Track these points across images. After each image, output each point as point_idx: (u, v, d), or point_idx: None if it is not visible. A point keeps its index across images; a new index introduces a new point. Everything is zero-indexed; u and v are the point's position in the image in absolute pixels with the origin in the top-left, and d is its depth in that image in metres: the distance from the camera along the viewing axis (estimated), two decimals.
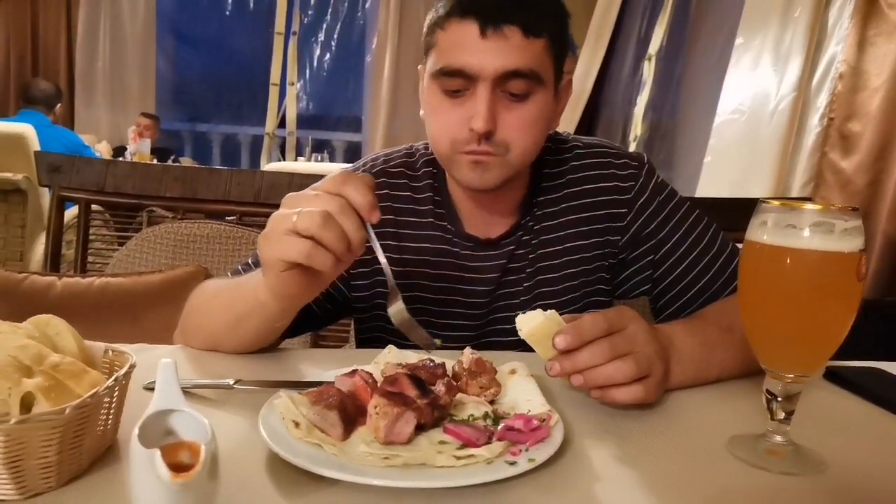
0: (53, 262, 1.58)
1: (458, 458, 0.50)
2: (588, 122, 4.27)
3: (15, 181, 2.79)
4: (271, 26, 5.66)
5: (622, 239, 0.91)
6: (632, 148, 3.74)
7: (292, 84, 5.73)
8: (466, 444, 0.53)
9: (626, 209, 0.90)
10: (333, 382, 0.59)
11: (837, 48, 2.41)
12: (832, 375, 0.78)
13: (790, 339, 0.56)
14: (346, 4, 6.12)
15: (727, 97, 2.81)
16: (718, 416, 0.66)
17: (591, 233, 0.90)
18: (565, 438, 0.55)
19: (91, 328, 0.61)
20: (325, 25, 6.15)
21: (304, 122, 5.95)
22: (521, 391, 0.63)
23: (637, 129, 3.89)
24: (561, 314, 0.63)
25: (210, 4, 6.17)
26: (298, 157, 5.69)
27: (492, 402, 0.62)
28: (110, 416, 0.51)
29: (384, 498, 0.47)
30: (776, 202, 0.55)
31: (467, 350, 0.67)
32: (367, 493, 0.47)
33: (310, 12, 6.06)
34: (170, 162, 4.80)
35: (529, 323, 0.61)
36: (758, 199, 0.58)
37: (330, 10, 6.13)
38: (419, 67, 0.85)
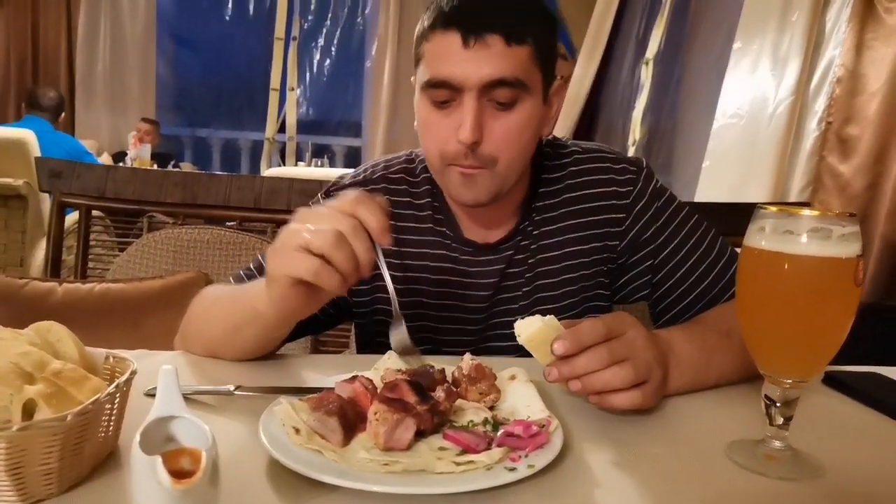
0: (54, 268, 1.59)
1: (458, 464, 0.50)
2: (587, 126, 4.28)
3: (16, 187, 2.79)
4: (271, 32, 5.68)
5: (621, 244, 0.91)
6: (631, 152, 3.75)
7: (292, 89, 5.75)
8: (466, 450, 0.53)
9: (624, 214, 0.90)
10: (333, 388, 0.60)
11: (835, 52, 2.42)
12: (831, 380, 0.78)
13: (788, 344, 0.57)
14: (345, 10, 6.14)
15: (725, 101, 2.81)
16: (717, 422, 0.67)
17: (590, 238, 0.91)
18: (565, 444, 0.55)
19: (92, 334, 0.61)
20: (324, 30, 6.17)
21: (304, 127, 5.97)
22: (520, 397, 0.63)
23: (636, 132, 3.89)
24: (560, 319, 0.64)
25: (210, 9, 6.18)
26: (298, 162, 5.69)
27: (491, 408, 0.62)
28: (111, 423, 0.51)
29: None
30: (774, 208, 0.56)
31: (467, 356, 0.67)
32: (366, 499, 0.48)
33: (310, 17, 6.07)
34: (170, 167, 4.81)
35: (528, 329, 0.62)
36: (756, 203, 0.59)
37: (330, 15, 6.15)
38: (412, 79, 0.86)
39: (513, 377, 0.66)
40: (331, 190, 0.95)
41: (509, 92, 0.77)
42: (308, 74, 6.15)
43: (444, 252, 0.91)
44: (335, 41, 6.18)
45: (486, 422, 0.58)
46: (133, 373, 0.53)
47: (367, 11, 5.94)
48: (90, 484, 0.48)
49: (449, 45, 0.77)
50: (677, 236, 0.90)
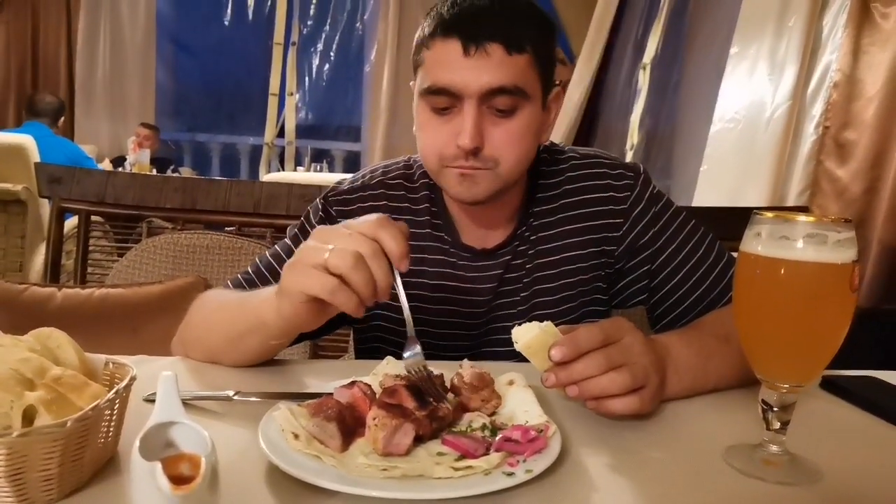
0: (53, 273, 1.59)
1: (457, 469, 0.51)
2: (586, 130, 4.29)
3: (15, 192, 2.80)
4: (270, 36, 5.70)
5: (618, 249, 0.91)
6: (629, 156, 3.76)
7: (291, 94, 5.76)
8: (464, 455, 0.53)
9: (622, 219, 0.91)
10: (332, 394, 0.60)
11: (832, 57, 2.43)
12: (828, 384, 0.78)
13: (784, 349, 0.57)
14: (345, 15, 6.15)
15: (723, 106, 2.82)
16: (715, 426, 0.67)
17: (588, 243, 0.91)
18: (563, 449, 0.55)
19: (91, 339, 0.61)
20: (324, 35, 6.18)
21: (303, 131, 5.97)
22: (518, 402, 0.63)
23: (633, 137, 3.90)
24: (558, 324, 0.64)
25: (209, 15, 6.20)
26: (298, 167, 5.70)
27: (491, 414, 0.62)
28: (111, 429, 0.51)
29: None
30: (770, 214, 0.56)
31: (466, 363, 0.67)
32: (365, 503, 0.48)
33: (309, 23, 6.09)
34: (169, 172, 4.81)
35: (525, 335, 0.62)
36: (753, 208, 0.59)
37: (329, 20, 6.16)
38: (411, 84, 0.86)
39: (511, 382, 0.66)
40: (329, 195, 0.96)
41: (509, 99, 0.78)
42: (307, 79, 6.16)
43: (443, 257, 0.92)
44: (334, 46, 6.20)
45: (484, 427, 0.58)
46: (132, 379, 0.53)
47: (366, 16, 5.96)
48: (90, 490, 0.48)
49: (449, 53, 0.77)
50: (674, 241, 0.90)
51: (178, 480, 0.38)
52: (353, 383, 0.61)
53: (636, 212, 0.90)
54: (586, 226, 0.91)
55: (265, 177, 4.38)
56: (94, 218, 1.63)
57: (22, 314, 1.17)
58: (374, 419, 0.53)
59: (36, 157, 3.12)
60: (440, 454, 0.54)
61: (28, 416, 0.47)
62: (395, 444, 0.53)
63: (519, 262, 0.91)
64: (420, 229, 0.92)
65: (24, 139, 3.20)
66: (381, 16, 5.62)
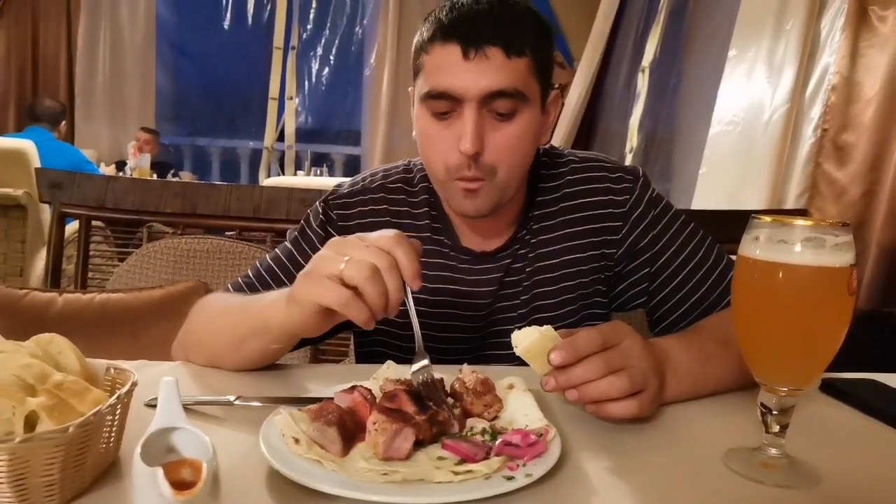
0: (54, 278, 1.59)
1: (457, 473, 0.51)
2: (586, 134, 4.30)
3: (15, 197, 2.80)
4: (270, 41, 5.71)
5: (618, 252, 0.92)
6: (628, 159, 3.77)
7: (291, 98, 5.77)
8: (465, 460, 0.54)
9: (621, 222, 0.91)
10: (333, 399, 0.60)
11: (830, 59, 2.43)
12: (828, 387, 0.78)
13: (783, 353, 0.57)
14: (344, 19, 6.17)
15: (721, 108, 2.83)
16: (714, 430, 0.67)
17: (587, 246, 0.91)
18: (562, 453, 0.56)
19: (92, 344, 0.61)
20: (323, 40, 6.19)
21: (302, 135, 5.98)
22: (518, 406, 0.63)
23: (633, 140, 3.91)
24: (557, 327, 0.64)
25: (209, 20, 6.21)
26: (298, 171, 5.71)
27: (491, 418, 0.62)
28: (113, 434, 0.51)
29: None
30: (768, 218, 0.56)
31: (466, 367, 0.67)
32: None
33: (308, 27, 6.10)
34: (169, 176, 4.82)
35: (525, 339, 0.62)
36: (752, 210, 0.59)
37: (328, 24, 6.17)
38: (410, 90, 0.86)
39: (511, 386, 0.67)
40: (329, 198, 0.96)
41: (509, 103, 0.78)
42: (307, 83, 6.17)
43: (443, 261, 0.92)
44: (334, 50, 6.21)
45: (484, 431, 0.58)
46: (134, 384, 0.53)
47: (365, 20, 5.97)
48: (92, 495, 0.49)
49: (449, 57, 0.78)
50: (674, 244, 0.91)
51: (179, 486, 0.39)
52: (353, 388, 0.61)
53: (635, 215, 0.91)
54: (586, 229, 0.91)
55: (265, 181, 4.38)
56: (94, 223, 1.63)
57: (23, 319, 1.17)
58: (375, 424, 0.54)
59: (37, 162, 3.13)
60: (440, 458, 0.54)
61: (30, 422, 0.47)
62: (395, 449, 0.53)
63: (519, 265, 0.92)
64: (420, 233, 0.92)
65: (24, 144, 3.21)
66: (380, 19, 5.63)
